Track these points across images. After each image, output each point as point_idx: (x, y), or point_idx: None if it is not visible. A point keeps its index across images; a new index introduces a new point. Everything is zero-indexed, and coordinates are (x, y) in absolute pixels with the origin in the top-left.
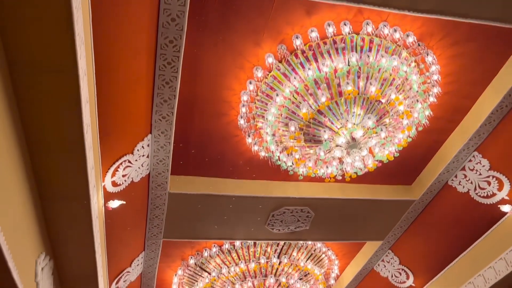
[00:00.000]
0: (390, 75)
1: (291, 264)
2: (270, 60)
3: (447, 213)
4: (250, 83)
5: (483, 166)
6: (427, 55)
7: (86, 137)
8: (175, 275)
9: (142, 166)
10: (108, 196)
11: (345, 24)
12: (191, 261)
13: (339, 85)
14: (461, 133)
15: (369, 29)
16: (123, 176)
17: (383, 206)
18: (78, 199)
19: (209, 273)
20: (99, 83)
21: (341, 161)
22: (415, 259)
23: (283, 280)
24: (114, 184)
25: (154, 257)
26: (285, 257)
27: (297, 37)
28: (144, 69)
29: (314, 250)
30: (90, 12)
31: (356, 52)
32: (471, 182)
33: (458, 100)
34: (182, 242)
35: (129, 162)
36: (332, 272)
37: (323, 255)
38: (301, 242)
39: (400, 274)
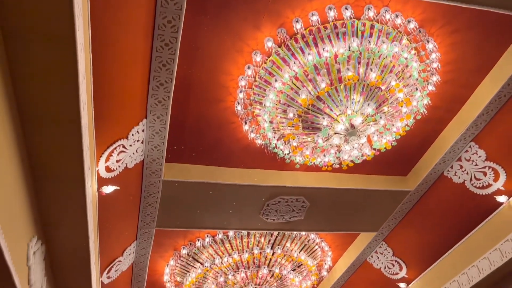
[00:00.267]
0: (391, 62)
1: (285, 255)
2: (270, 44)
3: (442, 204)
4: (249, 68)
5: (480, 156)
6: (428, 42)
7: (83, 115)
8: (167, 265)
9: (136, 152)
10: (102, 182)
11: (346, 8)
12: (184, 251)
13: (339, 71)
14: (459, 123)
15: (371, 13)
16: (117, 161)
17: (378, 196)
18: (72, 181)
19: (202, 264)
20: (95, 63)
21: (339, 149)
22: (409, 251)
23: (276, 271)
24: (108, 169)
25: (146, 246)
26: (278, 247)
27: (297, 21)
28: (141, 51)
29: (308, 241)
30: None
31: (356, 37)
32: (467, 173)
33: (456, 89)
34: (174, 231)
35: (124, 147)
36: (325, 263)
37: (316, 246)
38: (295, 232)
39: (393, 265)
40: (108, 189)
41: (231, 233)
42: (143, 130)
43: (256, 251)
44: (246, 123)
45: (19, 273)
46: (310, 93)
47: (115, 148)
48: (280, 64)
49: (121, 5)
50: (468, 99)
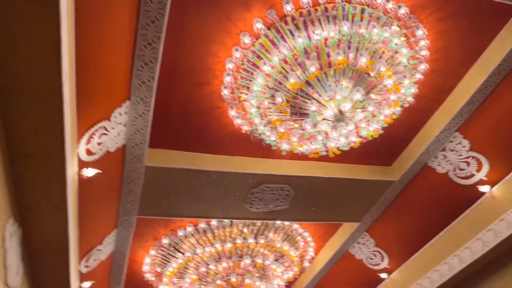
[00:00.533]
0: (380, 48)
1: (268, 245)
2: (259, 25)
3: (425, 194)
4: (237, 50)
5: (464, 146)
6: (418, 28)
7: (65, 88)
8: (147, 255)
9: (118, 135)
10: (82, 165)
11: None
12: (165, 241)
13: (328, 55)
14: (444, 113)
15: None
16: (98, 144)
17: (363, 186)
18: (52, 160)
19: (183, 254)
20: (77, 39)
21: (327, 136)
22: (391, 241)
23: (259, 261)
24: (89, 152)
25: (126, 235)
26: (261, 237)
27: (287, 2)
28: (126, 27)
29: (291, 231)
30: None
31: (347, 21)
32: (451, 163)
33: (443, 79)
34: (156, 220)
35: (105, 129)
36: (307, 254)
37: (299, 237)
38: (279, 222)
39: (375, 256)
40: (89, 172)
41: (213, 222)
42: (125, 113)
43: (239, 241)
44: (232, 108)
45: None
46: (299, 77)
47: (97, 130)
48: (269, 47)
49: None
50: (454, 89)
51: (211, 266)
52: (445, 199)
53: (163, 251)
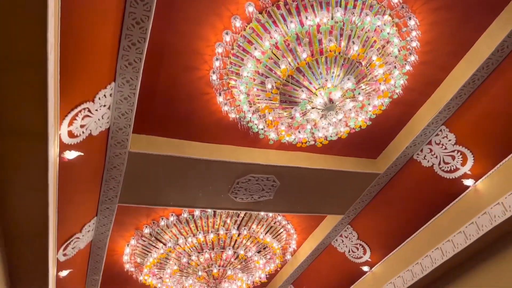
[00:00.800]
0: (372, 37)
1: (250, 237)
2: (251, 9)
3: (410, 188)
4: (227, 33)
5: (449, 140)
6: (410, 18)
7: (49, 59)
8: (127, 245)
9: (102, 118)
10: (64, 148)
11: None
12: (146, 231)
13: (320, 42)
14: (431, 106)
15: None
16: (81, 126)
17: (348, 178)
18: (34, 136)
19: (165, 244)
20: (63, 14)
21: (315, 125)
22: (374, 234)
23: (241, 252)
24: (71, 134)
25: (107, 223)
26: (245, 229)
27: None
28: (114, 4)
29: (274, 223)
30: None
31: (340, 7)
32: (436, 157)
33: (432, 71)
34: (137, 210)
35: (89, 111)
36: (290, 246)
37: (282, 229)
38: (262, 213)
39: (357, 249)
40: (71, 154)
41: (197, 212)
42: (110, 95)
43: (222, 232)
44: (220, 94)
45: None
46: (290, 64)
47: (80, 111)
48: (260, 31)
49: None
50: (442, 82)
51: (193, 257)
52: (429, 193)
53: (144, 241)
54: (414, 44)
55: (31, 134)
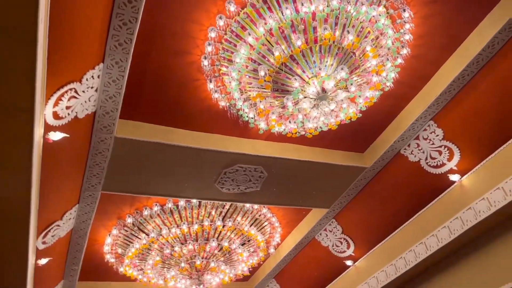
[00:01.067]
0: (367, 28)
1: (235, 229)
2: None
3: (396, 182)
4: (221, 18)
5: (437, 135)
6: (404, 10)
7: (40, 29)
8: (109, 235)
9: (89, 100)
10: (48, 130)
11: None
12: (129, 220)
13: (315, 30)
14: (421, 101)
15: None
16: (67, 108)
17: (335, 171)
18: (20, 111)
19: (147, 235)
20: None
21: (307, 115)
22: (358, 228)
23: (225, 244)
24: (56, 116)
25: (89, 211)
26: (229, 220)
27: None
28: None
29: (259, 216)
30: None
31: None
32: (423, 152)
33: (423, 65)
34: (121, 198)
35: (76, 92)
36: (274, 240)
37: (266, 222)
38: (248, 205)
39: (341, 243)
40: (56, 135)
41: (181, 202)
42: (98, 76)
43: (206, 223)
44: (211, 81)
45: None
46: (283, 51)
47: (66, 91)
48: (255, 17)
49: None
50: (432, 76)
51: (176, 248)
52: (415, 188)
53: (126, 231)
54: (407, 37)
55: (17, 110)
